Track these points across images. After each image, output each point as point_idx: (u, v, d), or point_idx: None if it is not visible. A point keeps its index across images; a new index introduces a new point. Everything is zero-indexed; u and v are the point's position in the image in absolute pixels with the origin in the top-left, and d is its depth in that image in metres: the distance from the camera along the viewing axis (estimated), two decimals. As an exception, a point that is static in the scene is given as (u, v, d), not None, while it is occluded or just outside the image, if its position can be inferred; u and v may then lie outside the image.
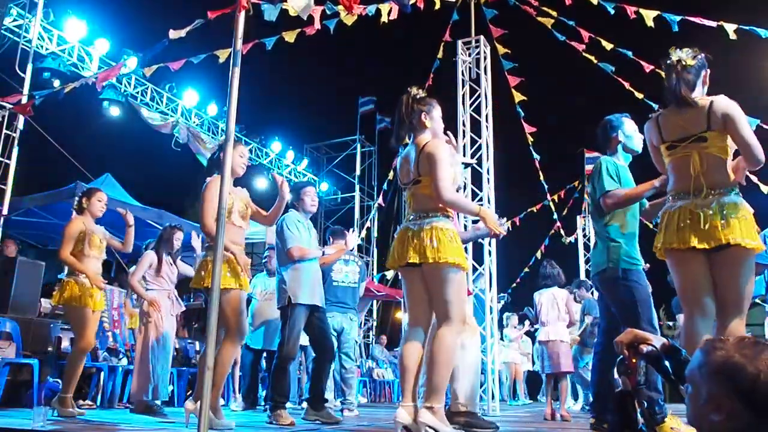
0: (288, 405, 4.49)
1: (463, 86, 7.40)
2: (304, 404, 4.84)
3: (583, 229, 12.82)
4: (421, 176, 3.07)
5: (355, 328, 6.12)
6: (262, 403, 6.34)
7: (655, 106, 6.96)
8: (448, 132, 3.47)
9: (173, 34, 3.67)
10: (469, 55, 7.52)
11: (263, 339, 6.19)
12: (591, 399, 7.78)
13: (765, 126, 5.86)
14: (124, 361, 6.34)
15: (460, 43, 7.54)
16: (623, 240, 3.38)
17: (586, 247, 12.69)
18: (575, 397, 8.65)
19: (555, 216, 12.60)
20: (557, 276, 6.18)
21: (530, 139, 8.83)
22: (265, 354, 6.42)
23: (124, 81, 10.74)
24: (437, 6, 6.25)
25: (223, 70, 3.68)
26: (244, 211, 3.77)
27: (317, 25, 4.12)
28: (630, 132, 3.59)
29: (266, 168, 14.29)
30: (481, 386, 5.04)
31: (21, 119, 7.85)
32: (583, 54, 7.14)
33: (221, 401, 6.48)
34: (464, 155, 6.98)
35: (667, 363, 1.75)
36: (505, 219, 3.99)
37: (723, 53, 2.92)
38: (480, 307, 6.69)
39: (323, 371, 4.59)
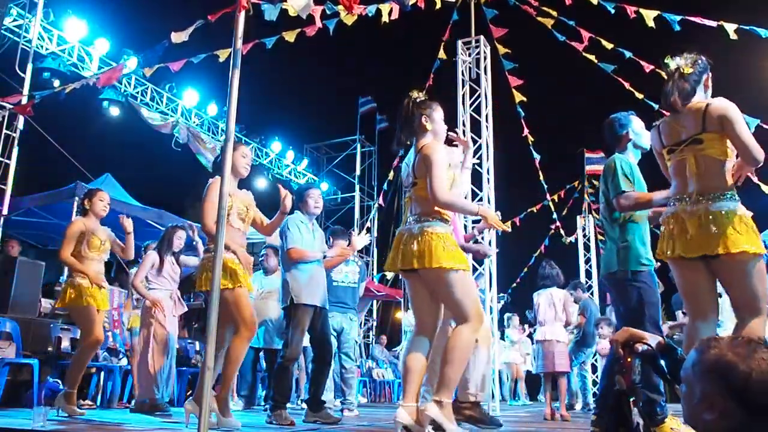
0: (287, 405, 4.49)
1: (463, 86, 7.40)
2: (304, 405, 4.85)
3: (583, 229, 12.81)
4: (417, 179, 3.08)
5: (355, 328, 6.12)
6: (262, 403, 6.34)
7: (656, 106, 6.97)
8: (456, 130, 3.48)
9: (175, 37, 3.66)
10: (469, 55, 7.52)
11: (262, 338, 6.20)
12: (587, 399, 7.82)
13: (765, 126, 5.86)
14: (124, 361, 6.34)
15: (460, 43, 7.54)
16: (634, 240, 3.35)
17: (586, 247, 12.69)
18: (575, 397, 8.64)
19: (555, 216, 12.61)
20: (556, 276, 6.18)
21: (530, 139, 8.84)
22: (262, 353, 6.42)
23: (124, 81, 10.74)
24: (438, 6, 6.25)
25: (223, 70, 3.67)
26: (244, 213, 3.77)
27: (317, 25, 4.11)
28: (639, 129, 3.57)
29: (266, 168, 14.30)
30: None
31: (21, 119, 7.85)
32: (583, 54, 7.14)
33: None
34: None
35: (663, 362, 1.75)
36: (498, 213, 3.99)
37: (723, 53, 2.92)
38: (480, 307, 6.69)
39: (323, 372, 4.59)
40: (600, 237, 12.93)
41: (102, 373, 6.08)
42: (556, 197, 12.50)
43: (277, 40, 4.97)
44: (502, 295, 11.69)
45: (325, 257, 4.54)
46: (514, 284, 13.42)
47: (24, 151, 8.04)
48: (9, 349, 5.12)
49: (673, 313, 6.94)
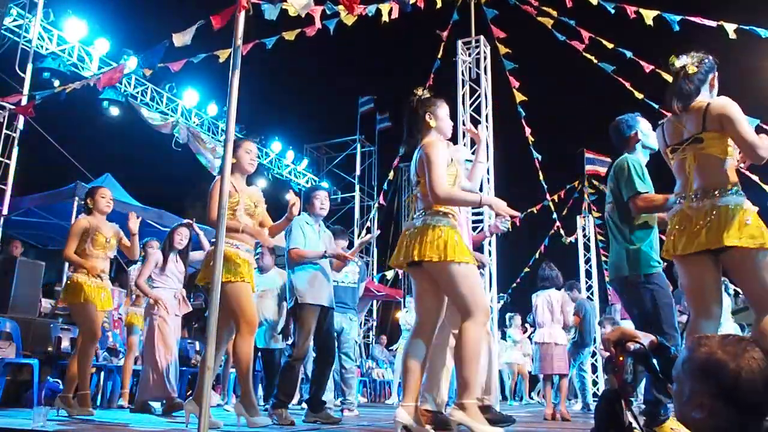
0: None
1: (463, 86, 7.40)
2: (303, 405, 4.85)
3: (583, 229, 12.82)
4: (419, 177, 3.09)
5: (355, 328, 6.12)
6: (262, 403, 6.33)
7: (656, 106, 6.97)
8: (469, 124, 3.46)
9: (176, 39, 3.65)
10: (469, 55, 7.52)
11: (262, 338, 6.18)
12: (586, 399, 7.80)
13: (765, 126, 5.85)
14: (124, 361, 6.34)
15: (460, 43, 7.54)
16: (643, 242, 3.32)
17: (586, 247, 12.69)
18: (574, 397, 8.65)
19: (555, 216, 12.60)
20: (556, 278, 6.18)
21: (530, 139, 8.83)
22: (259, 353, 6.40)
23: (124, 81, 10.74)
24: (438, 5, 6.25)
25: (223, 70, 3.66)
26: (251, 209, 3.76)
27: (317, 25, 4.11)
28: (646, 130, 3.54)
29: (266, 168, 14.29)
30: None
31: (21, 119, 7.85)
32: (583, 54, 7.13)
33: (216, 399, 6.50)
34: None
35: (655, 361, 1.74)
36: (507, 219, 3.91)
37: (723, 53, 2.91)
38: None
39: (324, 373, 4.60)
40: (600, 237, 12.94)
41: (102, 373, 6.08)
42: (556, 197, 12.50)
43: (277, 40, 4.97)
44: (501, 295, 11.68)
45: (325, 255, 4.51)
46: (514, 284, 13.42)
47: (24, 151, 8.03)
48: (9, 349, 5.12)
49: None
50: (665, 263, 3.44)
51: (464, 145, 7.23)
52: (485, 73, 7.47)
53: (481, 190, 7.06)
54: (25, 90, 7.82)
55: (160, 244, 5.55)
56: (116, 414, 4.99)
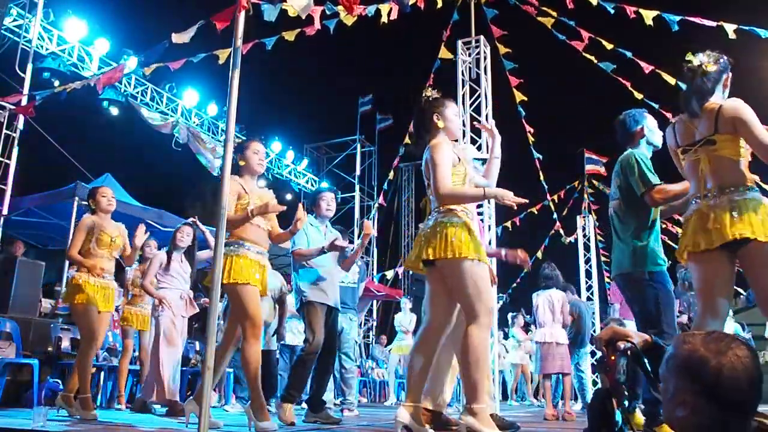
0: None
1: (463, 86, 7.39)
2: (303, 405, 4.84)
3: (583, 229, 12.80)
4: (427, 179, 3.09)
5: (355, 328, 6.13)
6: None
7: (656, 106, 6.98)
8: (481, 120, 3.44)
9: (176, 38, 3.64)
10: (469, 55, 7.52)
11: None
12: (585, 399, 7.79)
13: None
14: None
15: (460, 43, 7.54)
16: (650, 239, 3.31)
17: (586, 247, 12.68)
18: (574, 397, 8.65)
19: (555, 216, 12.60)
20: (557, 278, 6.19)
21: (530, 139, 8.83)
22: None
23: (124, 81, 10.75)
24: (438, 5, 6.25)
25: (223, 70, 3.66)
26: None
27: (317, 25, 4.11)
28: (652, 126, 3.54)
29: (266, 168, 14.28)
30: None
31: (21, 119, 7.85)
32: (583, 54, 7.14)
33: (215, 399, 6.50)
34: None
35: (648, 360, 1.73)
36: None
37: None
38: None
39: (325, 373, 4.60)
40: (600, 237, 12.94)
41: (102, 373, 6.08)
42: (556, 197, 12.50)
43: (277, 40, 4.97)
44: (501, 295, 11.67)
45: (323, 250, 4.46)
46: (514, 284, 13.43)
47: (24, 151, 8.04)
48: (9, 349, 5.11)
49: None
50: (669, 262, 3.44)
51: (467, 143, 7.24)
52: (485, 73, 7.46)
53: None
54: (25, 90, 7.82)
55: (158, 244, 5.54)
56: (117, 414, 4.99)
